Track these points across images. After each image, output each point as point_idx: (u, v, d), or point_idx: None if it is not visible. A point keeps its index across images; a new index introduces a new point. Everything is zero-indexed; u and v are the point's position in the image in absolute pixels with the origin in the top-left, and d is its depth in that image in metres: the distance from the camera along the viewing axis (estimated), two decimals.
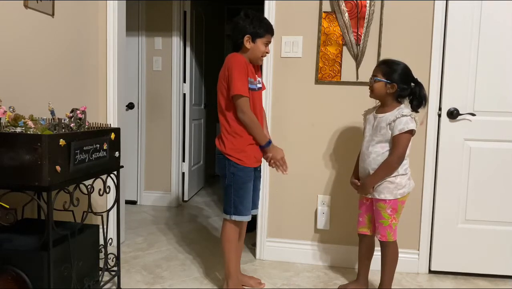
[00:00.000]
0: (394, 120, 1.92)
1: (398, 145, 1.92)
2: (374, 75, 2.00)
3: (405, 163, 1.99)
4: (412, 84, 1.97)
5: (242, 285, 2.19)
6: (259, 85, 2.08)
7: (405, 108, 1.97)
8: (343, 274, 2.43)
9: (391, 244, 2.03)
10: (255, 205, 2.17)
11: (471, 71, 2.36)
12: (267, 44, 2.01)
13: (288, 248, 2.60)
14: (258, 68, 2.12)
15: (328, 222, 2.55)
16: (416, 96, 1.97)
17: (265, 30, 1.98)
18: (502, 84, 2.34)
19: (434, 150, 2.42)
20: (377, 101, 2.07)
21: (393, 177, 1.97)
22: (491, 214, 2.40)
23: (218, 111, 2.05)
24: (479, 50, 2.34)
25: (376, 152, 1.99)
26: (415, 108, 1.98)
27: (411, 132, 1.93)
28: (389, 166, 1.95)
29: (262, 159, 2.10)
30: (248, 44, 1.97)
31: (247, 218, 2.06)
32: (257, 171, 2.12)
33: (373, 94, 2.02)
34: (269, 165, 2.07)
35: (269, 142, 2.02)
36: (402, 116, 1.92)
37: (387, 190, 1.98)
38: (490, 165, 2.38)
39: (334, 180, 2.54)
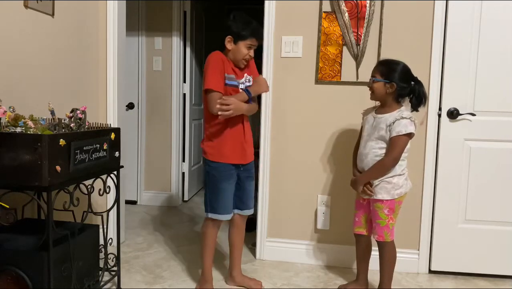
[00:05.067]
0: (393, 122, 1.92)
1: (395, 146, 1.91)
2: (372, 75, 2.00)
3: (403, 164, 1.99)
4: (412, 82, 1.97)
5: (242, 286, 2.19)
6: (248, 84, 2.04)
7: (405, 110, 1.97)
8: (343, 274, 2.43)
9: (389, 244, 2.03)
10: (247, 206, 2.14)
11: (471, 71, 2.36)
12: (250, 47, 1.98)
13: (288, 248, 2.60)
14: (253, 66, 2.10)
15: (328, 222, 2.55)
16: (415, 94, 1.96)
17: (250, 33, 1.95)
18: (502, 84, 2.34)
19: (434, 150, 2.41)
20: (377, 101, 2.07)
21: (390, 177, 1.96)
22: (491, 214, 2.40)
23: None
24: (479, 50, 2.34)
25: (374, 152, 1.98)
26: (415, 107, 1.98)
27: (409, 135, 1.92)
28: (383, 167, 1.95)
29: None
30: (229, 45, 1.96)
31: (224, 217, 2.04)
32: (241, 170, 2.07)
33: (373, 95, 2.02)
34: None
35: (247, 91, 1.98)
36: (401, 118, 1.91)
37: (384, 190, 1.97)
38: (490, 165, 2.38)
39: (334, 180, 2.54)
